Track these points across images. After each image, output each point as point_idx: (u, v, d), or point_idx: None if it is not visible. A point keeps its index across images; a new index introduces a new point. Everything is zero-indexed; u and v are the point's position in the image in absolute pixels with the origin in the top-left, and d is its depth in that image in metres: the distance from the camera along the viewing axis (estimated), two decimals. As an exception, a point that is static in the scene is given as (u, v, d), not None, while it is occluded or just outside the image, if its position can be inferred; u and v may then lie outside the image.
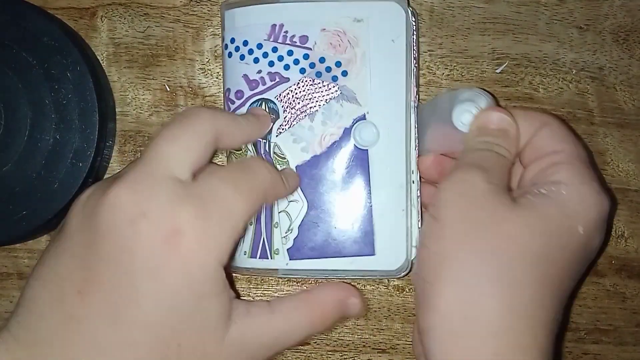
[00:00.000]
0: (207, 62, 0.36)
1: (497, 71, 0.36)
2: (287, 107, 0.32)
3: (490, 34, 0.36)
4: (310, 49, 0.32)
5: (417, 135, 0.32)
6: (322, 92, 0.32)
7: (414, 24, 0.32)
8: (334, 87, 0.32)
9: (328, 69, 0.32)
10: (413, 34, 0.32)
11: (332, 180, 0.32)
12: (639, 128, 0.37)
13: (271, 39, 0.32)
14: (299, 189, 0.32)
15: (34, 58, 0.33)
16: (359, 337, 0.37)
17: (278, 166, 0.32)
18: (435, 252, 0.27)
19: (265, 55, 0.32)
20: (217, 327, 0.26)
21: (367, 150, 0.32)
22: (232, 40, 0.33)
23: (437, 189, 0.29)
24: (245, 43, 0.33)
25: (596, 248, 0.28)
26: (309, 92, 0.32)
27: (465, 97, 0.30)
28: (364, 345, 0.37)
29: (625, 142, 0.37)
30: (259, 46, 0.32)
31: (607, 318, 0.37)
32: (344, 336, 0.37)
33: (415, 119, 0.32)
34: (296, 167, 0.32)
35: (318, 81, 0.32)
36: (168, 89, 0.36)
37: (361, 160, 0.32)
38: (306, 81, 0.32)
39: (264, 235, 0.32)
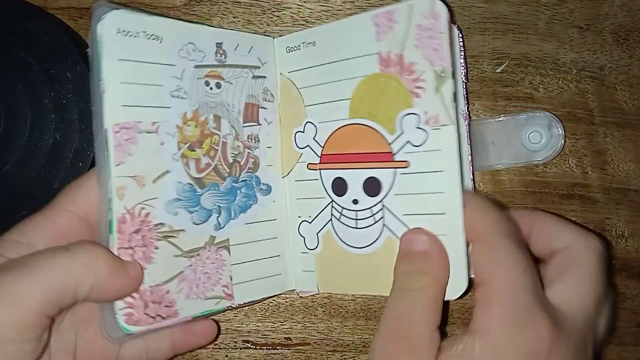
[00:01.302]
0: (207, 62, 0.36)
1: (497, 71, 0.36)
2: None
3: (490, 34, 0.36)
4: None
5: (470, 150, 0.33)
6: None
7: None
8: None
9: None
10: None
11: None
12: (639, 128, 0.37)
13: None
14: None
15: (34, 58, 0.33)
16: (359, 337, 0.37)
17: None
18: None
19: None
20: None
21: None
22: None
23: None
24: None
25: None
26: None
27: (535, 120, 0.35)
28: (364, 346, 0.37)
29: (625, 142, 0.37)
30: None
31: (607, 318, 0.37)
32: (344, 336, 0.37)
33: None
34: None
35: None
36: (168, 89, 0.36)
37: None
38: None
39: None
